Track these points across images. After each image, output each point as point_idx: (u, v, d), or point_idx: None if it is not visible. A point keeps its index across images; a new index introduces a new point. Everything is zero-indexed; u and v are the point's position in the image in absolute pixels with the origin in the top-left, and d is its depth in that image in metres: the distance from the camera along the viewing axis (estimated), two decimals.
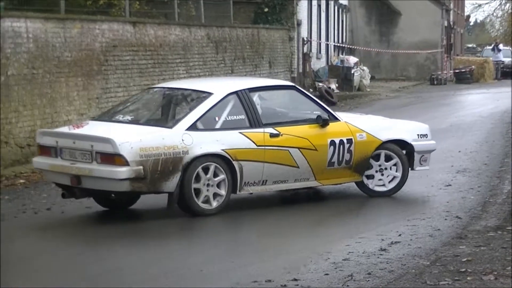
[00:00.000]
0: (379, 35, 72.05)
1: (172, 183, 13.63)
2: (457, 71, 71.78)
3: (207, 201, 14.20)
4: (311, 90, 42.27)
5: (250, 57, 35.69)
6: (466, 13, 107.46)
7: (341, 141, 15.31)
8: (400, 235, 13.55)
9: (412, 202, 16.45)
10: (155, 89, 17.47)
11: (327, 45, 54.56)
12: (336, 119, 15.69)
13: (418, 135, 16.74)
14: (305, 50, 45.39)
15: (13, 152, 21.70)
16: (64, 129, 14.71)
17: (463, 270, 11.19)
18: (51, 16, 24.06)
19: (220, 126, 14.58)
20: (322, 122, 15.34)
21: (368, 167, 16.26)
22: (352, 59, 54.94)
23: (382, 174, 16.40)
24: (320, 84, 43.91)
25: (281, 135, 14.79)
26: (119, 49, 26.51)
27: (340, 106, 40.67)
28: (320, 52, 51.89)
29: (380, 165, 16.24)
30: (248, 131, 14.66)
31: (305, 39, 45.75)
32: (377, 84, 56.05)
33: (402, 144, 16.36)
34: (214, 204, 14.39)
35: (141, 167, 13.28)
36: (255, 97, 15.45)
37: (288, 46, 40.59)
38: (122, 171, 13.38)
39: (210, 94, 15.16)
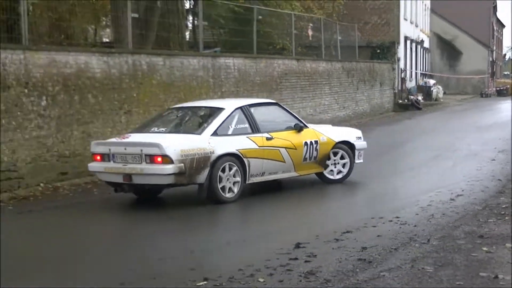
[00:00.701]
0: (448, 66, 71.30)
1: (203, 176, 12.58)
2: (498, 88, 71.31)
3: (227, 190, 12.91)
4: (406, 100, 41.69)
5: (368, 80, 35.32)
6: (503, 52, 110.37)
7: (311, 142, 14.38)
8: (463, 190, 13.31)
9: (470, 170, 15.95)
10: (177, 108, 15.34)
11: (416, 73, 53.67)
12: (306, 126, 14.62)
13: (356, 137, 15.58)
14: (402, 76, 44.70)
15: None
16: (114, 140, 13.51)
17: (503, 213, 11.08)
18: (248, 56, 24.23)
19: (231, 132, 13.47)
20: (299, 129, 14.38)
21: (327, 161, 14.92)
22: (432, 81, 54.22)
23: (335, 166, 14.99)
24: (411, 96, 43.16)
25: (273, 138, 13.84)
26: (289, 75, 26.48)
27: (424, 111, 39.93)
28: (411, 77, 51.05)
29: (334, 160, 14.99)
30: (252, 135, 13.62)
31: (402, 69, 45.06)
32: (447, 97, 54.89)
33: (347, 144, 15.17)
34: (234, 191, 13.00)
35: (182, 164, 12.30)
36: (253, 111, 14.10)
37: (391, 73, 40.05)
38: (169, 168, 12.31)
39: (222, 109, 13.93)
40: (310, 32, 33.48)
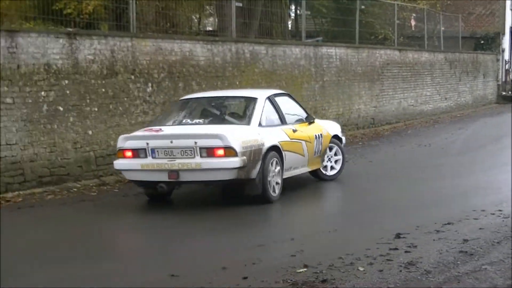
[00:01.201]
0: None
1: (256, 171, 11.30)
2: None
3: (272, 187, 11.75)
4: (510, 92, 40.82)
5: (471, 71, 34.77)
6: None
7: (319, 136, 13.44)
8: None
9: None
10: (197, 99, 13.51)
11: None
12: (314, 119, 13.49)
13: (340, 131, 14.72)
14: (506, 67, 43.72)
15: None
16: (152, 133, 11.53)
17: None
18: (350, 46, 24.20)
19: (267, 123, 12.23)
20: (310, 121, 13.51)
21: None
22: None
23: (330, 161, 14.06)
24: None
25: (297, 130, 12.83)
26: (390, 65, 26.31)
27: None
28: None
29: (328, 155, 14.01)
30: (283, 127, 12.56)
31: (507, 60, 44.08)
32: None
33: (337, 138, 14.31)
34: (277, 191, 11.90)
35: (245, 157, 10.98)
36: (277, 101, 13.00)
37: (495, 65, 39.26)
38: (235, 161, 10.91)
39: (256, 98, 12.66)
40: (413, 22, 33.17)
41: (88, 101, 14.12)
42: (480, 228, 9.52)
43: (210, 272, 7.57)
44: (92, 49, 14.32)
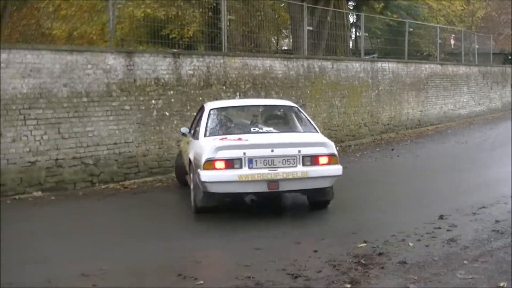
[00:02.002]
0: None
1: None
2: None
3: None
4: None
5: (501, 81, 34.00)
6: None
7: None
8: None
9: None
10: (234, 107, 11.15)
11: None
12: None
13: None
14: None
15: (379, 126, 21.67)
16: (248, 142, 9.08)
17: None
18: (400, 61, 23.81)
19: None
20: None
21: None
22: None
23: None
24: None
25: None
26: (433, 77, 25.84)
27: None
28: None
29: None
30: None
31: None
32: None
33: None
34: None
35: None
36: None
37: None
38: (339, 169, 9.16)
39: (295, 107, 10.93)
40: (452, 41, 32.86)
41: (188, 107, 14.16)
42: (509, 211, 9.35)
43: (286, 244, 7.57)
44: (192, 65, 14.35)
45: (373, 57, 25.05)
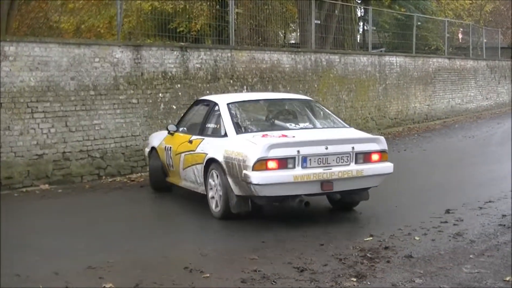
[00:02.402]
0: None
1: None
2: None
3: None
4: None
5: (509, 76, 33.77)
6: None
7: None
8: None
9: None
10: (257, 100, 10.14)
11: None
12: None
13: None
14: None
15: (387, 120, 21.63)
16: (301, 139, 8.16)
17: None
18: (408, 55, 23.78)
19: None
20: None
21: None
22: None
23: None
24: None
25: None
26: (441, 71, 25.79)
27: None
28: None
29: None
30: None
31: None
32: None
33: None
34: None
35: None
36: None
37: None
38: (391, 166, 8.53)
39: (313, 100, 10.50)
40: (460, 35, 32.77)
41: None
42: None
43: (292, 238, 7.56)
44: (199, 59, 14.34)
45: (381, 51, 25.02)
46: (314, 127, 9.21)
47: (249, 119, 9.23)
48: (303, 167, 7.88)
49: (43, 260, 6.77)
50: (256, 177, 7.71)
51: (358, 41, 26.63)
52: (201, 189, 9.18)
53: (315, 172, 7.90)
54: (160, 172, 10.60)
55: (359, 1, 30.16)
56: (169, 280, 6.04)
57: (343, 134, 8.76)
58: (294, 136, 8.32)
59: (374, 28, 27.04)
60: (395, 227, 8.01)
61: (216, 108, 9.34)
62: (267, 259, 6.75)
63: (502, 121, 25.13)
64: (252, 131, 8.68)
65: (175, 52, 13.81)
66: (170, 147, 10.08)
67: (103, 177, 12.34)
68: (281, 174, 7.79)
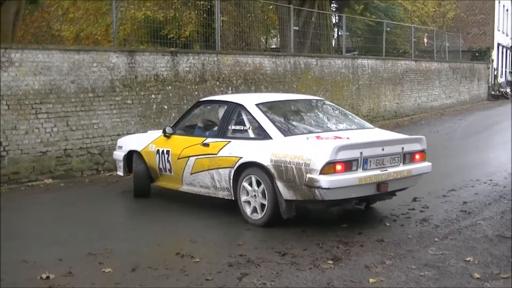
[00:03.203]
0: None
1: None
2: None
3: None
4: (497, 92, 39.87)
5: (469, 76, 34.06)
6: None
7: None
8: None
9: None
10: (286, 102, 8.83)
11: (505, 71, 51.17)
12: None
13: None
14: (495, 73, 42.83)
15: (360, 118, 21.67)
16: (358, 141, 7.27)
17: None
18: (378, 58, 23.82)
19: None
20: None
21: None
22: None
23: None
24: (502, 89, 41.29)
25: None
26: (408, 72, 25.86)
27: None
28: (502, 74, 48.76)
29: None
30: None
31: (495, 68, 43.23)
32: None
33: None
34: None
35: None
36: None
37: (487, 71, 38.42)
38: (430, 165, 8.03)
39: (324, 100, 9.54)
40: (425, 40, 32.93)
41: (185, 101, 14.13)
42: (475, 193, 9.52)
43: (275, 226, 7.49)
44: (188, 63, 14.32)
45: (354, 54, 25.09)
46: (351, 128, 8.24)
47: (285, 120, 8.08)
48: (363, 169, 7.13)
49: (47, 248, 6.77)
50: (326, 180, 6.83)
51: (333, 45, 26.64)
52: (222, 194, 8.13)
53: (375, 174, 7.20)
54: (145, 177, 9.37)
55: (333, 9, 30.19)
56: (162, 264, 6.04)
57: (394, 135, 8.08)
58: (348, 138, 7.40)
59: (348, 33, 27.09)
60: (368, 215, 8.07)
61: (241, 109, 8.22)
62: (252, 245, 6.78)
63: (463, 117, 25.30)
64: (300, 133, 7.67)
65: (166, 57, 13.78)
66: (168, 151, 8.84)
67: (102, 172, 12.31)
68: (348, 177, 6.99)
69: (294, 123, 8.06)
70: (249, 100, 8.37)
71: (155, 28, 16.70)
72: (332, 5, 30.27)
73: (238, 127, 8.16)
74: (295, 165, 7.05)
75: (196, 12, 18.18)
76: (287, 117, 8.21)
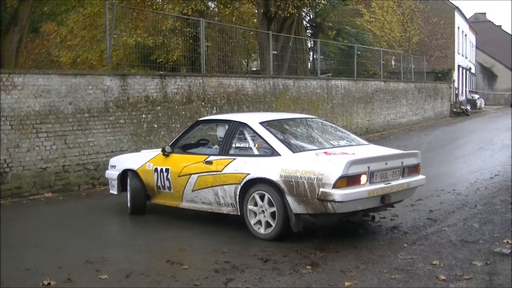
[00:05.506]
0: (488, 85, 67.96)
1: None
2: None
3: None
4: (458, 109, 40.22)
5: (433, 95, 34.36)
6: None
7: None
8: (499, 171, 12.83)
9: (504, 158, 15.29)
10: (286, 120, 8.57)
11: (465, 90, 51.69)
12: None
13: None
14: (456, 92, 43.19)
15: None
16: (368, 155, 7.20)
17: None
18: (351, 79, 23.98)
19: None
20: None
21: None
22: (476, 96, 52.00)
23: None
24: (462, 107, 41.66)
25: None
26: (378, 92, 26.04)
27: (471, 117, 38.41)
28: (462, 93, 49.22)
29: None
30: None
31: (456, 87, 43.62)
32: (487, 107, 52.49)
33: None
34: None
35: None
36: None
37: (449, 90, 38.79)
38: (424, 178, 8.01)
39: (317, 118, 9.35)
40: (393, 62, 33.16)
41: (173, 120, 14.13)
42: (440, 202, 9.61)
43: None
44: (176, 85, 14.33)
45: (328, 76, 25.20)
46: (351, 144, 8.01)
47: (289, 137, 7.85)
48: (370, 182, 6.97)
49: (48, 256, 6.73)
50: (339, 194, 6.63)
51: (309, 67, 26.77)
52: (226, 210, 7.83)
53: (381, 187, 7.06)
54: (142, 195, 9.00)
55: (309, 35, 30.40)
56: (154, 271, 6.04)
57: (393, 151, 7.98)
58: (354, 153, 7.24)
59: (322, 56, 27.29)
60: (342, 224, 7.97)
61: (244, 127, 7.95)
62: (236, 252, 6.78)
63: (428, 132, 25.49)
64: (307, 149, 7.44)
65: (155, 80, 13.78)
66: (167, 169, 8.48)
67: (97, 186, 12.25)
68: (358, 191, 6.81)
69: (298, 140, 7.84)
70: (252, 119, 8.13)
71: (145, 53, 16.71)
72: (307, 31, 30.54)
73: (242, 145, 7.87)
74: (307, 180, 6.85)
75: (182, 38, 18.24)
76: (290, 134, 8.01)
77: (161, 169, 8.59)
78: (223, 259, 6.43)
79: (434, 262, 6.18)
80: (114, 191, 9.56)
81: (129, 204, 9.16)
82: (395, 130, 26.55)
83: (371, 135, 24.25)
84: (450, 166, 14.34)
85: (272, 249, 6.80)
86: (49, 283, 5.66)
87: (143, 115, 13.36)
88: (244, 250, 6.86)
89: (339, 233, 7.56)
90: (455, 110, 39.65)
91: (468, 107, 42.87)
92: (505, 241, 6.97)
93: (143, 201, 9.06)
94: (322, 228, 7.78)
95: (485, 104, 52.71)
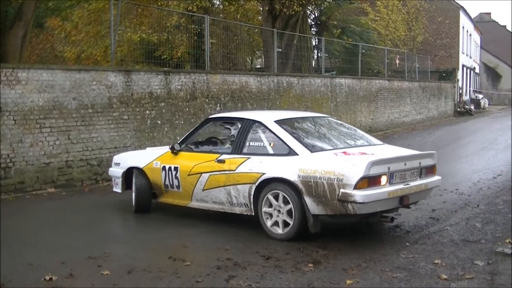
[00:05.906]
0: (492, 85, 67.94)
1: None
2: None
3: None
4: (462, 109, 40.21)
5: (437, 94, 34.32)
6: None
7: None
8: (502, 171, 12.85)
9: (507, 158, 15.27)
10: (300, 119, 8.20)
11: (469, 89, 51.68)
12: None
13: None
14: (460, 92, 43.18)
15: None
16: (388, 156, 7.04)
17: None
18: (355, 77, 23.97)
19: None
20: None
21: None
22: (480, 95, 51.95)
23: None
24: (466, 106, 41.65)
25: None
26: (382, 91, 26.04)
27: (475, 116, 38.37)
28: (466, 92, 49.19)
29: None
30: None
31: (460, 87, 43.60)
32: (491, 107, 52.49)
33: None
34: None
35: None
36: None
37: (453, 90, 38.73)
38: (440, 179, 7.87)
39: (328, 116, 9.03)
40: (397, 61, 33.13)
41: (177, 116, 14.13)
42: (443, 202, 9.60)
43: (259, 232, 7.45)
44: (180, 81, 14.33)
45: (332, 74, 25.18)
46: (368, 144, 7.83)
47: (306, 136, 7.60)
48: (390, 183, 6.79)
49: (51, 252, 6.74)
50: (360, 195, 6.46)
51: (313, 65, 26.79)
52: (239, 210, 7.65)
53: (400, 187, 6.88)
54: (148, 193, 8.82)
55: (313, 33, 30.37)
56: (156, 267, 6.03)
57: (411, 151, 7.77)
58: (373, 154, 7.09)
59: (326, 55, 27.23)
60: (347, 226, 7.93)
61: (259, 126, 7.72)
62: (239, 249, 6.77)
63: (432, 131, 25.45)
64: (325, 149, 7.25)
65: (159, 76, 13.78)
66: (176, 167, 8.25)
67: (100, 182, 12.26)
68: (379, 191, 6.64)
69: (314, 139, 7.60)
70: (267, 117, 7.84)
71: (150, 49, 16.70)
72: (312, 29, 30.50)
73: (256, 144, 7.59)
74: (326, 180, 6.66)
75: (187, 35, 18.24)
76: (305, 133, 7.73)
77: (169, 168, 8.36)
78: (225, 256, 6.43)
79: (436, 261, 6.17)
80: (117, 189, 9.37)
81: (133, 202, 8.98)
82: (398, 129, 26.52)
83: (375, 133, 24.18)
84: (453, 166, 14.31)
85: (274, 247, 6.79)
86: (51, 278, 5.67)
87: (147, 111, 13.37)
88: (246, 247, 6.85)
89: (341, 232, 7.56)
90: (458, 109, 39.62)
91: (472, 107, 42.85)
92: (507, 241, 6.97)
93: (148, 200, 8.85)
94: (324, 226, 7.77)
95: (489, 104, 52.67)
